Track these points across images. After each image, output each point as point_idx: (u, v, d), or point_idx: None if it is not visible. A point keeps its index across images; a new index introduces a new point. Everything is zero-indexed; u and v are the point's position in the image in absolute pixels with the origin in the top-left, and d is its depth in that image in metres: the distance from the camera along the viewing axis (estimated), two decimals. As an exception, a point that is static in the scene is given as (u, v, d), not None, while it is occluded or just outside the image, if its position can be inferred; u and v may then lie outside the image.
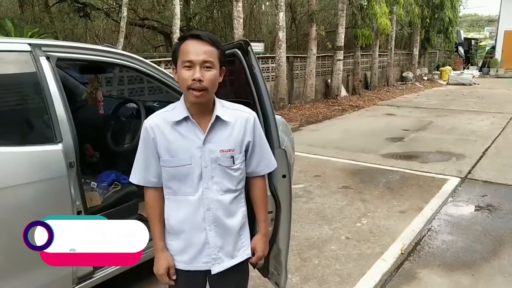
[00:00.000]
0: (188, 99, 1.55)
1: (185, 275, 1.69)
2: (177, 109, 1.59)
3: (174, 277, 1.68)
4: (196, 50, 1.48)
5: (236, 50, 1.99)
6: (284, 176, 2.06)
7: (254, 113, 1.69)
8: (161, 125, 1.58)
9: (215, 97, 1.62)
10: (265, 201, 1.81)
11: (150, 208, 1.67)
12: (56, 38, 10.17)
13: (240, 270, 1.76)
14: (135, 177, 1.65)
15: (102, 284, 2.48)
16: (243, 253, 1.73)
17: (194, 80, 1.47)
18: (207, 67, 1.49)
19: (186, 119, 1.56)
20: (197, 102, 1.52)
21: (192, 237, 1.63)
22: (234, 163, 1.60)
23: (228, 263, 1.68)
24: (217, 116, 1.58)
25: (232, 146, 1.60)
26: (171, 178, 1.60)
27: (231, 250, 1.69)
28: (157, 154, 1.59)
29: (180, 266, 1.67)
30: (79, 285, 2.31)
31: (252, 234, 1.81)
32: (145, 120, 1.63)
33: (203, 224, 1.61)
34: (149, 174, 1.63)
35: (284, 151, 2.03)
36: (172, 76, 2.87)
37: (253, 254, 1.77)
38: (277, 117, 2.49)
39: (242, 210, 1.71)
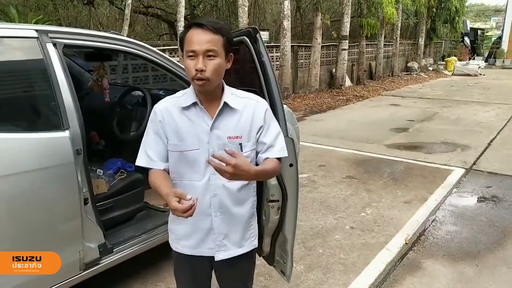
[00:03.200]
0: (194, 88, 1.56)
1: (190, 260, 1.70)
2: (187, 95, 1.60)
3: (189, 198, 1.40)
4: (199, 39, 1.46)
5: (244, 37, 1.97)
6: (291, 165, 2.05)
7: (263, 100, 1.68)
8: (171, 109, 1.59)
9: (225, 84, 1.61)
10: (273, 170, 1.63)
11: (154, 183, 1.58)
12: (60, 25, 10.12)
13: (246, 260, 1.77)
14: (140, 160, 1.64)
15: (108, 271, 2.51)
16: (250, 244, 1.74)
17: (196, 70, 1.47)
18: (210, 55, 1.48)
19: (194, 104, 1.57)
20: (201, 91, 1.54)
21: (198, 222, 1.63)
22: (242, 151, 1.58)
23: (234, 252, 1.69)
24: (225, 103, 1.57)
25: (239, 133, 1.59)
26: (179, 163, 1.60)
27: (239, 239, 1.69)
28: (164, 136, 1.59)
29: (185, 250, 1.69)
30: (86, 271, 2.33)
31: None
32: (155, 104, 1.64)
33: (208, 209, 1.62)
34: (154, 155, 1.61)
35: (292, 140, 2.02)
36: (178, 63, 2.90)
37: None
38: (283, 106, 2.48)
39: (252, 199, 1.71)
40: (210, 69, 1.47)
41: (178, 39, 1.62)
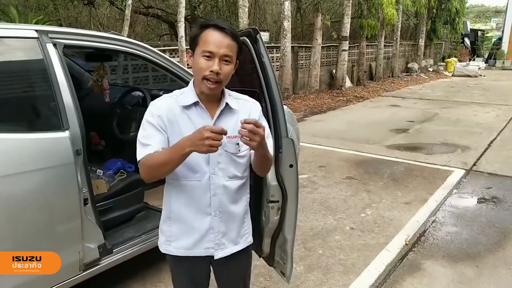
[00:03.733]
0: (200, 88, 1.54)
1: (186, 262, 1.68)
2: (186, 94, 1.59)
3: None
4: (218, 42, 1.47)
5: (245, 38, 1.97)
6: (291, 166, 2.05)
7: (257, 102, 1.71)
8: (172, 106, 1.56)
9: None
10: (271, 158, 1.65)
11: (158, 155, 1.49)
12: (60, 26, 10.13)
13: (243, 257, 1.78)
14: (140, 153, 1.53)
15: (108, 271, 2.50)
16: (245, 240, 1.75)
17: (211, 71, 1.46)
18: (226, 60, 1.49)
19: (195, 104, 1.56)
20: (210, 93, 1.53)
21: (195, 222, 1.63)
22: (239, 150, 1.60)
23: (231, 249, 1.70)
24: (226, 104, 1.58)
25: (237, 133, 1.59)
26: None
27: (235, 236, 1.70)
28: (163, 130, 1.53)
29: (180, 252, 1.67)
30: (86, 272, 2.33)
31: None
32: (152, 101, 1.60)
33: (208, 209, 1.61)
34: (152, 147, 1.51)
35: (292, 140, 2.02)
36: (178, 64, 2.90)
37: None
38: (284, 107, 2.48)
39: (246, 197, 1.72)
40: (224, 73, 1.49)
41: (190, 36, 1.59)
